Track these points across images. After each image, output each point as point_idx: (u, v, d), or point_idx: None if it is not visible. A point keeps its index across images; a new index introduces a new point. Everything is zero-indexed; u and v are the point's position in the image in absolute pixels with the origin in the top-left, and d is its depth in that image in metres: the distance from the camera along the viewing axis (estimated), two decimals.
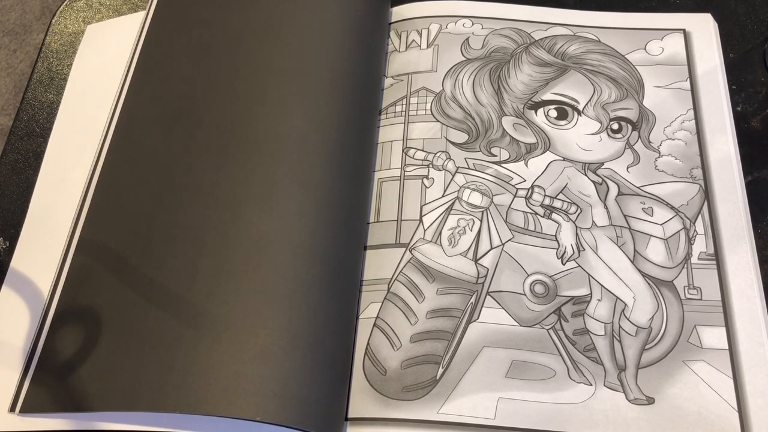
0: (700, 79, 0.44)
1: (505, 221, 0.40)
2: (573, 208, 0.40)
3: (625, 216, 0.39)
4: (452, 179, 0.41)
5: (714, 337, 0.36)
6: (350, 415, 0.35)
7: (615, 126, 0.42)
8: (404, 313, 0.37)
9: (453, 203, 0.40)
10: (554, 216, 0.40)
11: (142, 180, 0.40)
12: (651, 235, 0.39)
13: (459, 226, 0.39)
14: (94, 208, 0.41)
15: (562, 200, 0.40)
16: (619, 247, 0.39)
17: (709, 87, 0.43)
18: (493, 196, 0.40)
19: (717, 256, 0.38)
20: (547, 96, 0.43)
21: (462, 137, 0.43)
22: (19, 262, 0.41)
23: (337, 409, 0.34)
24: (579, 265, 0.38)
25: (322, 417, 0.33)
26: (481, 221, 0.40)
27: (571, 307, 0.37)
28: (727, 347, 0.35)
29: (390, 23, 0.48)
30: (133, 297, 0.36)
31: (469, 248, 0.39)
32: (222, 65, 0.43)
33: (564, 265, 0.38)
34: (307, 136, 0.39)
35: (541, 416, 0.34)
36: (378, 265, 0.39)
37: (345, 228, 0.38)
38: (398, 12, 0.48)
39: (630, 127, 0.42)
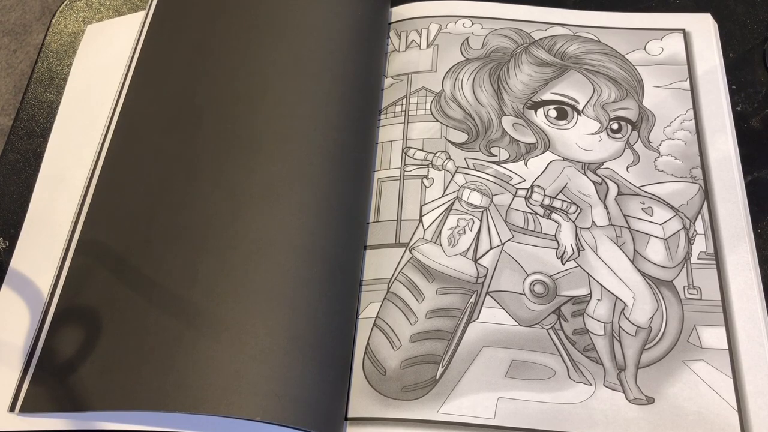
0: (700, 79, 0.44)
1: (505, 221, 0.40)
2: (573, 208, 0.40)
3: (624, 216, 0.39)
4: (452, 179, 0.41)
5: (714, 336, 0.36)
6: (350, 414, 0.35)
7: (615, 126, 0.42)
8: (404, 313, 0.37)
9: (453, 203, 0.40)
10: (554, 216, 0.40)
11: (142, 180, 0.40)
12: (651, 235, 0.39)
13: (459, 225, 0.39)
14: (93, 208, 0.41)
15: (562, 200, 0.40)
16: (619, 246, 0.39)
17: (708, 87, 0.43)
18: (492, 195, 0.40)
19: (717, 256, 0.38)
20: (547, 96, 0.43)
21: (462, 137, 0.43)
22: (19, 262, 0.41)
23: (336, 409, 0.34)
24: (579, 265, 0.38)
25: (321, 417, 0.33)
26: (480, 221, 0.40)
27: (570, 306, 0.37)
28: (726, 347, 0.35)
29: (390, 23, 0.48)
30: (133, 297, 0.36)
31: (468, 248, 0.39)
32: (222, 65, 0.43)
33: (564, 264, 0.38)
34: (307, 136, 0.39)
35: (541, 416, 0.34)
36: (378, 264, 0.39)
37: (345, 228, 0.38)
38: (398, 12, 0.48)
39: (630, 126, 0.42)
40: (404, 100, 0.44)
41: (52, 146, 0.45)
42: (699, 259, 0.38)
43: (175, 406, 0.33)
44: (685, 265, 0.38)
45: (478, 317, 0.37)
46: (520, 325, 0.37)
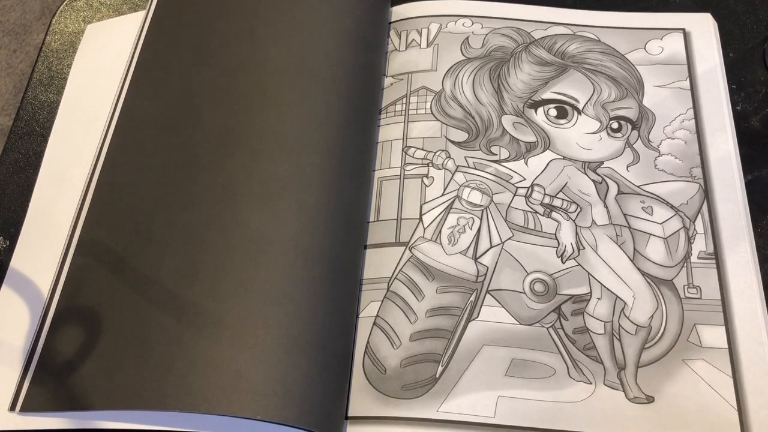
0: (700, 78, 0.44)
1: (505, 220, 0.40)
2: (573, 207, 0.40)
3: (624, 215, 0.39)
4: (452, 178, 0.41)
5: (713, 336, 0.36)
6: (350, 413, 0.35)
7: (615, 125, 0.42)
8: (404, 312, 0.37)
9: (453, 202, 0.40)
10: (554, 215, 0.40)
11: (142, 179, 0.40)
12: (651, 234, 0.39)
13: (459, 224, 0.39)
14: (94, 207, 0.41)
15: (562, 199, 0.40)
16: (619, 246, 0.39)
17: (708, 86, 0.43)
18: (492, 194, 0.40)
19: (717, 256, 0.38)
20: (547, 95, 0.43)
21: (462, 136, 0.43)
22: (19, 261, 0.41)
23: (337, 408, 0.34)
24: (579, 264, 0.38)
25: (322, 416, 0.33)
26: (480, 220, 0.40)
27: (570, 305, 0.37)
28: (726, 346, 0.35)
29: (390, 23, 0.48)
30: (133, 297, 0.36)
31: (468, 247, 0.39)
32: (222, 65, 0.43)
33: (564, 263, 0.38)
34: (307, 136, 0.39)
35: (541, 415, 0.34)
36: (378, 263, 0.39)
37: (345, 227, 0.38)
38: (398, 11, 0.48)
39: (630, 126, 0.42)
40: (404, 100, 0.44)
41: (52, 146, 0.45)
42: (699, 258, 0.38)
43: (176, 405, 0.33)
44: (685, 265, 0.38)
45: (478, 316, 0.37)
46: (521, 324, 0.37)
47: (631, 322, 0.36)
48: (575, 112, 0.43)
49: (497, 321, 0.37)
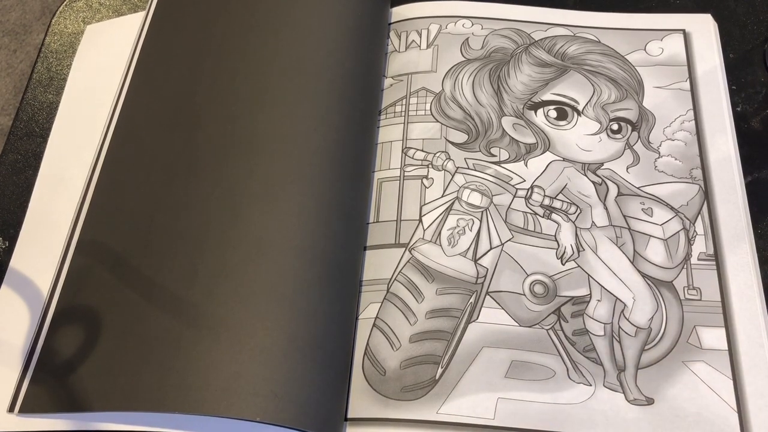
0: (700, 79, 0.44)
1: (505, 221, 0.40)
2: (573, 209, 0.40)
3: (624, 216, 0.39)
4: (452, 179, 0.41)
5: (714, 337, 0.36)
6: (350, 415, 0.35)
7: (615, 126, 0.42)
8: (404, 314, 0.37)
9: (452, 203, 0.40)
10: (554, 216, 0.40)
11: (141, 180, 0.40)
12: (651, 236, 0.39)
13: (458, 226, 0.39)
14: (93, 208, 0.41)
15: (562, 200, 0.40)
16: (619, 247, 0.39)
17: (709, 87, 0.43)
18: (492, 196, 0.40)
19: (717, 257, 0.38)
20: (547, 96, 0.43)
21: (462, 137, 0.43)
22: (18, 261, 0.41)
23: (336, 410, 0.34)
24: (578, 266, 0.38)
25: (321, 417, 0.33)
26: (480, 221, 0.40)
27: (570, 307, 0.37)
28: (726, 348, 0.35)
29: (390, 23, 0.48)
30: (133, 297, 0.36)
31: (468, 248, 0.39)
32: (222, 65, 0.43)
33: (563, 265, 0.38)
34: (307, 137, 0.39)
35: (541, 416, 0.34)
36: (377, 265, 0.39)
37: (345, 228, 0.38)
38: (398, 12, 0.48)
39: (630, 127, 0.42)
40: (404, 101, 0.44)
41: (51, 146, 0.45)
42: (699, 259, 0.38)
43: (175, 406, 0.33)
44: (685, 266, 0.38)
45: (477, 317, 0.37)
46: (520, 326, 0.37)
47: (631, 323, 0.36)
48: (575, 114, 0.43)
49: (497, 323, 0.37)
